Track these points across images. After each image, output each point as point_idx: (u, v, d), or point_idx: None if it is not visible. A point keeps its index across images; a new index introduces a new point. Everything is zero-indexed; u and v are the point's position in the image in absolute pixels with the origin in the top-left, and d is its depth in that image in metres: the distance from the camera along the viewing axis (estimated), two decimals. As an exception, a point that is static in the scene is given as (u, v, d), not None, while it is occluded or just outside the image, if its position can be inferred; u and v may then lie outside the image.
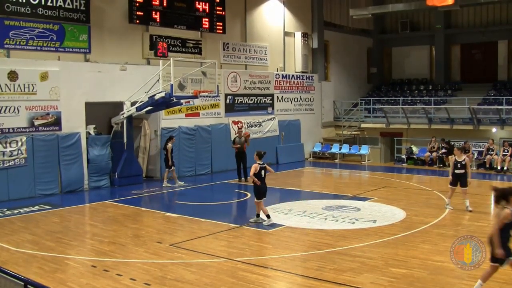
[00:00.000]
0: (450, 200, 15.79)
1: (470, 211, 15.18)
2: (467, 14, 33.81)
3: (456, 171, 15.43)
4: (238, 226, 13.96)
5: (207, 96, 21.47)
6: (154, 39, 22.23)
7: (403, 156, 28.05)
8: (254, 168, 13.88)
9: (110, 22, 21.34)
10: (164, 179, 20.85)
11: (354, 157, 29.43)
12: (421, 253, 11.16)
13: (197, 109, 23.89)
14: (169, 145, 20.63)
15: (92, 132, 20.68)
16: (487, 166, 24.72)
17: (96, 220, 15.33)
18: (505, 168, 23.86)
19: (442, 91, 32.65)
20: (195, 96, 20.03)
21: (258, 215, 14.21)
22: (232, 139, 23.11)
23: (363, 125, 31.20)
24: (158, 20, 22.39)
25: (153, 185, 21.20)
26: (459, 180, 15.44)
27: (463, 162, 15.45)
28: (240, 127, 24.86)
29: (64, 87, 19.36)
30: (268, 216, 14.04)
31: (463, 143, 25.48)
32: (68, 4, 19.67)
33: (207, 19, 24.19)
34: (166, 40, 22.62)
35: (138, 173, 21.50)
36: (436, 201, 17.03)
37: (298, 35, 29.81)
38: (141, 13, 21.80)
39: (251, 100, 26.72)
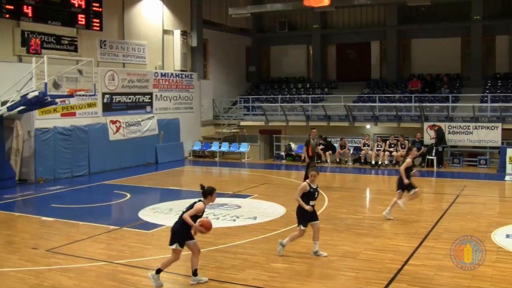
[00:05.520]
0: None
1: None
2: (342, 15, 35.19)
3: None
4: (118, 227, 13.72)
5: (83, 95, 20.79)
6: (26, 35, 21.29)
7: (282, 153, 28.81)
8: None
9: (-24, 16, 20.17)
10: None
11: (234, 155, 29.79)
12: (301, 247, 11.53)
13: (73, 109, 23.10)
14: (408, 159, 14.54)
15: (-42, 133, 19.49)
16: (362, 161, 25.97)
17: (-36, 228, 14.44)
18: (379, 162, 25.21)
19: (319, 89, 33.80)
20: (70, 95, 19.40)
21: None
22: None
23: (242, 123, 31.64)
24: (30, 14, 21.33)
25: (27, 188, 20.26)
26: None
27: None
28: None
29: None
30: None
31: (339, 139, 26.65)
32: None
33: (83, 16, 23.42)
34: (40, 37, 21.74)
35: (10, 176, 20.44)
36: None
37: (177, 33, 29.68)
38: (11, 7, 20.63)
39: (129, 99, 26.25)
